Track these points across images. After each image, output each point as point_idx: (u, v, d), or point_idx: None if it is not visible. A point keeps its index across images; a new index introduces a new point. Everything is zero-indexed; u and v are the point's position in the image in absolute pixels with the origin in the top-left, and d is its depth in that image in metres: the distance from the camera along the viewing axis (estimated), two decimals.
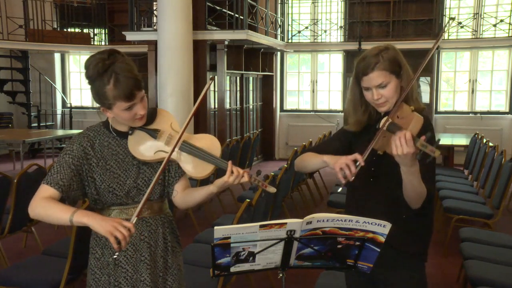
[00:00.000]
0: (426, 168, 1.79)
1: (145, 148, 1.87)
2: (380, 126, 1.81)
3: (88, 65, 1.77)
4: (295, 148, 5.71)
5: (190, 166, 1.86)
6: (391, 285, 2.00)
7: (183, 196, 1.96)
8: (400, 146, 1.67)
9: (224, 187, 1.83)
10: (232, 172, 1.78)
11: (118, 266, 1.90)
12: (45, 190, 1.78)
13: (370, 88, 1.90)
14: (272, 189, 1.85)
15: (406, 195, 1.85)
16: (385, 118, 1.83)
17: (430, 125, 1.90)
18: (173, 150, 1.82)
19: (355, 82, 1.97)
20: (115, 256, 1.78)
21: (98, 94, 1.78)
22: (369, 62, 1.87)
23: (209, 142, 1.90)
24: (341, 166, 1.79)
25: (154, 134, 1.88)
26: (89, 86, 1.83)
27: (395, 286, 1.99)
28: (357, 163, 1.78)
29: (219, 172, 1.91)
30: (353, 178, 1.78)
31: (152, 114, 1.91)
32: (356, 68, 1.93)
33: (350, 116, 2.03)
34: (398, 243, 1.91)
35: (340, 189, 1.86)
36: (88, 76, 1.78)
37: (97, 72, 1.73)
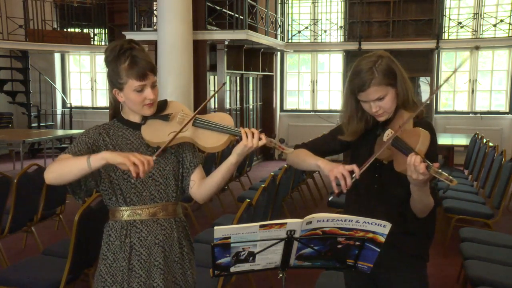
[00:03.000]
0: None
1: (159, 132, 1.89)
2: (385, 140, 1.78)
3: (106, 49, 1.86)
4: None
5: (205, 139, 1.88)
6: (392, 285, 1.99)
7: (201, 185, 1.96)
8: (415, 171, 1.62)
9: (244, 154, 1.83)
10: (247, 134, 1.79)
11: (131, 271, 1.88)
12: (63, 156, 1.81)
13: (367, 101, 1.88)
14: (290, 150, 1.86)
15: (413, 207, 1.83)
16: (389, 131, 1.79)
17: (431, 133, 1.87)
18: (187, 123, 1.84)
19: (351, 94, 1.92)
20: (132, 180, 1.82)
21: (112, 74, 1.84)
22: (364, 78, 1.83)
23: (220, 116, 1.93)
24: (337, 176, 1.75)
25: (167, 117, 1.91)
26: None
27: (396, 287, 1.99)
28: (353, 176, 1.74)
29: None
30: (346, 190, 1.75)
31: (163, 105, 1.95)
32: (350, 83, 1.89)
33: (346, 126, 1.99)
34: (400, 243, 1.90)
35: (331, 198, 1.82)
36: (105, 58, 1.86)
37: (114, 54, 1.82)
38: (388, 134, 1.79)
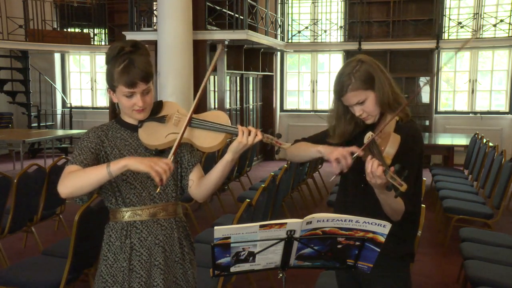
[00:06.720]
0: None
1: (156, 134, 1.90)
2: (365, 142, 1.83)
3: (110, 47, 1.88)
4: None
5: (202, 139, 1.89)
6: (374, 285, 2.00)
7: (199, 184, 1.96)
8: (371, 174, 1.67)
9: (239, 151, 1.84)
10: (243, 132, 1.80)
11: (132, 271, 1.88)
12: (71, 167, 1.78)
13: (351, 105, 1.94)
14: (287, 145, 1.89)
15: (384, 209, 1.86)
16: (369, 134, 1.85)
17: (412, 136, 1.89)
18: (187, 125, 1.85)
19: (337, 97, 1.97)
20: (157, 191, 1.85)
21: (108, 74, 1.85)
22: (342, 84, 1.90)
23: (215, 114, 1.93)
24: (338, 157, 1.80)
25: (162, 119, 1.92)
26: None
27: (377, 287, 2.00)
28: (354, 155, 1.79)
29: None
30: (347, 169, 1.79)
31: (158, 106, 1.96)
32: (333, 87, 1.96)
33: (333, 128, 2.03)
34: (383, 245, 1.90)
35: (333, 178, 1.88)
36: (106, 55, 1.88)
37: (113, 54, 1.82)
38: (368, 136, 1.84)
